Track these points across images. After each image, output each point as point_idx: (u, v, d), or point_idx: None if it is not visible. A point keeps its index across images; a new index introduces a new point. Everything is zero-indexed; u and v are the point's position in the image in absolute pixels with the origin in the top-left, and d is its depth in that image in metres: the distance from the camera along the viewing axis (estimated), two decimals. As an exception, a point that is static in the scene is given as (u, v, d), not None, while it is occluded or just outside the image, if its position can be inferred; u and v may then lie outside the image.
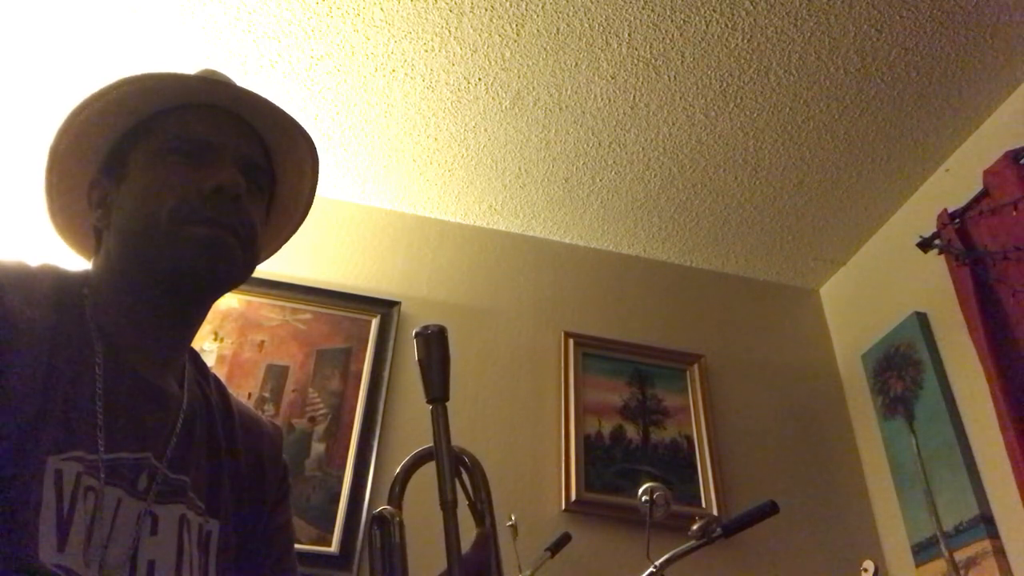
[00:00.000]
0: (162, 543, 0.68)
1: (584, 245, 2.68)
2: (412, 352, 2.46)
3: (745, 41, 1.97)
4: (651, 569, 1.50)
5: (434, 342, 0.72)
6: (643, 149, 2.29)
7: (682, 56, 2.01)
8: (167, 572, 0.67)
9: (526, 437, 2.17)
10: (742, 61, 2.02)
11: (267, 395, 2.06)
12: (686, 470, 2.21)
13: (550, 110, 2.18)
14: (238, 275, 0.79)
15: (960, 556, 1.89)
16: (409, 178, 2.44)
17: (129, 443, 0.69)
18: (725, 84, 2.08)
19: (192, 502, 0.74)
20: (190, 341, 0.83)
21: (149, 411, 0.73)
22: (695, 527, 1.50)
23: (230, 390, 0.88)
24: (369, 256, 2.43)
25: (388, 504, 0.78)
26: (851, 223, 2.51)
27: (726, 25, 1.93)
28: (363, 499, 1.93)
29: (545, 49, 2.02)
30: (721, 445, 2.27)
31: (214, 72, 0.85)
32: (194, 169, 0.77)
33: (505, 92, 2.14)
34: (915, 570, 2.03)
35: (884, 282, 2.44)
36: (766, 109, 2.14)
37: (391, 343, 2.21)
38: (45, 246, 1.01)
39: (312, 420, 2.05)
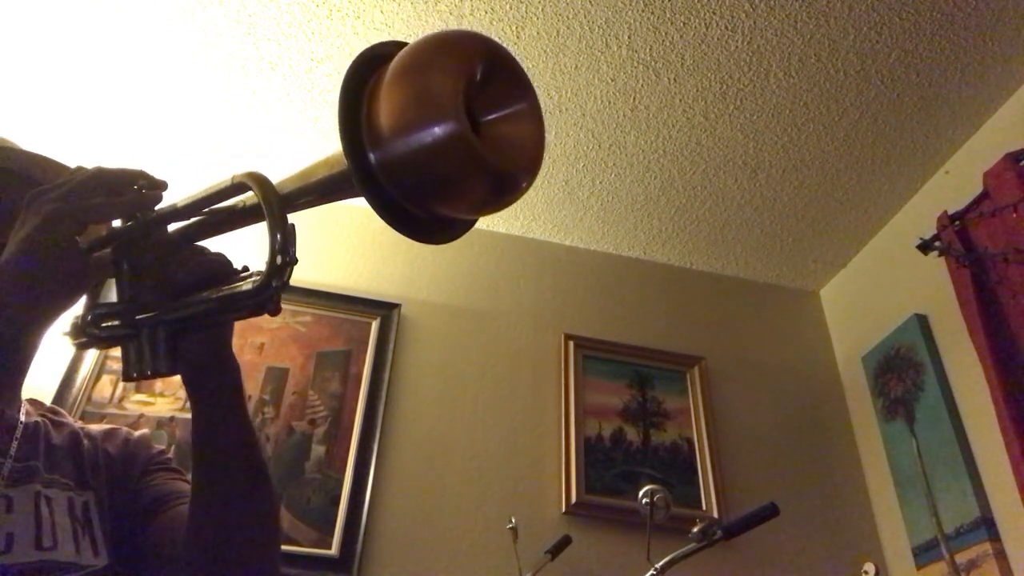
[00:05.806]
0: (18, 518, 0.74)
1: (584, 247, 2.68)
2: (413, 354, 2.44)
3: (745, 43, 1.97)
4: (652, 571, 1.49)
5: None
6: (643, 151, 2.29)
7: (682, 58, 2.01)
8: (27, 543, 0.73)
9: (526, 439, 2.17)
10: (742, 63, 2.02)
11: (267, 397, 2.06)
12: (686, 472, 2.20)
13: (550, 112, 2.18)
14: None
15: (961, 558, 1.89)
16: (409, 180, 2.43)
17: None
18: (725, 86, 2.08)
19: (50, 480, 0.80)
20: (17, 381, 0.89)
21: None
22: (696, 529, 1.50)
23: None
24: (369, 258, 2.43)
25: None
26: (851, 225, 2.51)
27: (726, 27, 1.93)
28: (363, 502, 1.93)
29: (545, 51, 2.02)
30: (721, 447, 2.27)
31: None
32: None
33: (505, 94, 2.14)
34: (916, 572, 2.03)
35: (884, 284, 2.44)
36: (766, 111, 2.14)
37: (391, 345, 2.21)
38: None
39: (312, 423, 2.05)
